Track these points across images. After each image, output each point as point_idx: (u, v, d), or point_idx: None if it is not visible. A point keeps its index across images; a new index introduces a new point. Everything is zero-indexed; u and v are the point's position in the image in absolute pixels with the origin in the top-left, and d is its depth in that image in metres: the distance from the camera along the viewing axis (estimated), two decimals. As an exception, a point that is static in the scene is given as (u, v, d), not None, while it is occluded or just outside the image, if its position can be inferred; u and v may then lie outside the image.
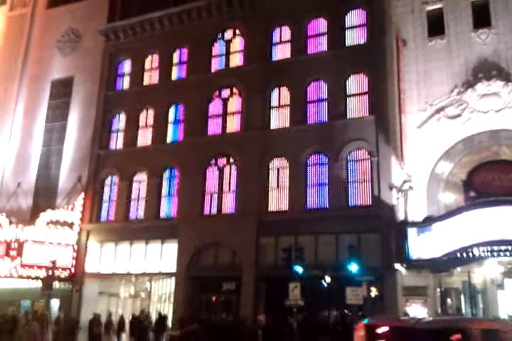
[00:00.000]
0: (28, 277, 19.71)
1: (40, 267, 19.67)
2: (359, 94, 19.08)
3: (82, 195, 22.17)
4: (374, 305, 15.50)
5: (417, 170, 16.95)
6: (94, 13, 25.57)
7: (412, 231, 15.55)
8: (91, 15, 25.64)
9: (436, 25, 18.31)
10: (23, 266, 19.58)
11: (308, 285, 15.74)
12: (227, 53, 22.17)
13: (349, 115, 18.94)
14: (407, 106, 17.84)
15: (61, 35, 26.51)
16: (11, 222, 20.46)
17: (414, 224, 15.83)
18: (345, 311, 15.87)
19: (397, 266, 15.62)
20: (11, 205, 23.37)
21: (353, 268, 15.23)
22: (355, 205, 17.68)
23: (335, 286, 15.73)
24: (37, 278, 19.55)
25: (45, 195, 23.64)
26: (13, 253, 19.73)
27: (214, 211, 19.97)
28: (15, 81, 26.81)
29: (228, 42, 22.30)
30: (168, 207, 20.97)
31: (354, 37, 19.84)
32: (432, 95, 17.63)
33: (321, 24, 20.58)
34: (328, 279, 15.80)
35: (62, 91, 25.56)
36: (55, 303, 20.47)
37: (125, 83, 24.26)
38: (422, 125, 17.48)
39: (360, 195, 17.79)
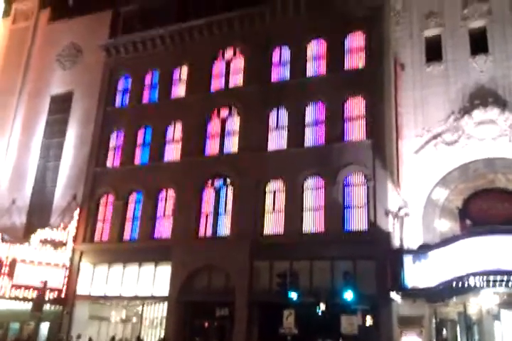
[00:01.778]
0: (18, 298, 19.29)
1: (30, 288, 19.32)
2: (356, 118, 19.06)
3: (77, 213, 21.92)
4: (369, 334, 15.26)
5: (413, 196, 16.87)
6: (96, 29, 25.66)
7: (407, 259, 15.40)
8: (92, 31, 25.73)
9: (434, 51, 18.44)
10: (13, 286, 19.19)
11: (302, 312, 15.53)
12: (227, 73, 22.20)
13: (346, 138, 18.91)
14: (404, 131, 17.85)
15: (62, 49, 26.55)
16: (3, 240, 20.13)
17: (409, 251, 15.70)
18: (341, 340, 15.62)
19: (393, 294, 15.42)
20: (5, 222, 23.12)
21: (349, 295, 15.04)
22: (351, 230, 17.53)
23: (330, 314, 15.48)
24: (27, 299, 19.15)
25: (39, 212, 23.42)
26: (3, 272, 19.35)
27: (209, 233, 19.78)
28: (14, 94, 26.80)
29: (228, 62, 22.36)
30: (162, 229, 20.71)
31: (353, 60, 19.90)
32: (429, 121, 17.65)
33: (320, 46, 20.69)
34: (322, 306, 15.58)
35: (61, 106, 25.50)
36: (44, 326, 20.06)
37: (124, 99, 24.23)
38: (419, 150, 17.46)
39: (355, 220, 17.65)
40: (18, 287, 19.31)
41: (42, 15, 27.96)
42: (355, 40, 20.08)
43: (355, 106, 19.21)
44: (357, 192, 18.05)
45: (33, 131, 25.55)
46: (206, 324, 18.52)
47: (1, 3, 28.76)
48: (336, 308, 15.31)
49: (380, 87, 18.49)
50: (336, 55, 20.06)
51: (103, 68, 24.70)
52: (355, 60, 19.85)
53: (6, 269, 19.35)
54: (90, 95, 24.63)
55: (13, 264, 19.44)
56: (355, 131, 18.87)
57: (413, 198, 16.82)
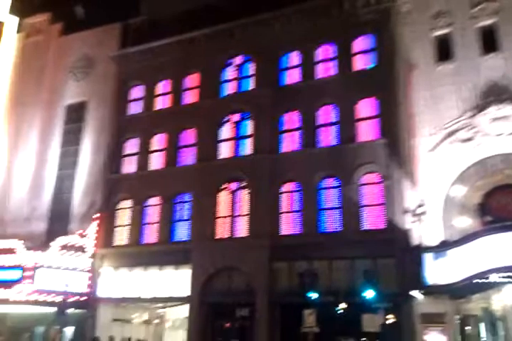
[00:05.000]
0: (43, 303, 19.63)
1: (54, 293, 19.66)
2: (369, 118, 19.22)
3: (96, 219, 22.27)
4: (391, 332, 15.30)
5: (431, 194, 16.95)
6: (107, 40, 26.13)
7: (427, 257, 15.46)
8: (103, 42, 26.19)
9: (444, 50, 18.54)
10: (37, 291, 19.54)
11: (323, 311, 15.63)
12: (238, 78, 22.49)
13: (360, 139, 19.07)
14: (418, 129, 17.97)
15: (74, 61, 27.01)
16: (26, 247, 20.51)
17: (429, 248, 15.74)
18: (362, 339, 15.65)
19: (414, 292, 15.46)
20: (26, 230, 23.51)
21: (369, 294, 15.13)
22: (369, 229, 17.64)
23: (351, 313, 15.58)
24: (51, 303, 19.46)
25: (59, 220, 23.79)
26: (27, 278, 19.71)
27: (227, 235, 20.00)
28: (30, 106, 27.27)
29: (239, 68, 22.64)
30: (181, 232, 21.00)
31: (363, 61, 20.08)
32: (442, 119, 17.74)
33: (330, 49, 20.90)
34: (343, 305, 15.66)
35: (75, 116, 25.94)
36: (69, 330, 20.40)
37: (137, 108, 24.58)
38: (434, 148, 17.55)
39: (373, 219, 17.76)
40: (42, 292, 19.63)
41: (54, 28, 28.50)
42: (365, 42, 20.27)
43: (368, 107, 19.37)
44: (373, 192, 18.17)
45: (49, 141, 26.01)
46: (227, 324, 18.68)
47: (13, 20, 29.29)
48: (357, 307, 15.41)
49: (392, 87, 18.68)
50: (345, 57, 20.25)
51: (115, 78, 25.11)
52: (365, 61, 20.02)
53: (29, 275, 19.69)
54: (104, 104, 25.06)
55: (36, 270, 19.77)
56: (369, 131, 19.02)
57: (431, 196, 16.90)
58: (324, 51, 21.00)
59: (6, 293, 19.41)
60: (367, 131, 19.07)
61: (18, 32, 29.35)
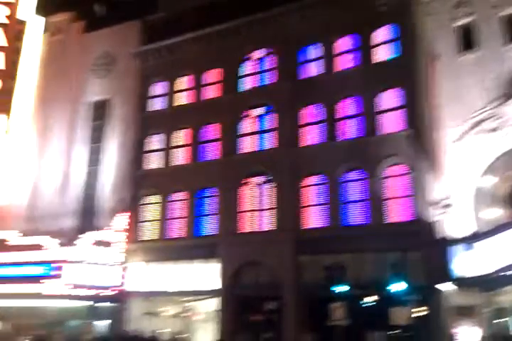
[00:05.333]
0: (75, 297, 20.15)
1: (86, 287, 20.17)
2: (393, 109, 19.05)
3: (124, 215, 22.73)
4: (420, 325, 15.33)
5: (458, 185, 16.78)
6: (127, 37, 26.31)
7: (456, 248, 15.37)
8: (124, 39, 26.38)
9: (467, 40, 18.25)
10: (69, 285, 20.02)
11: (350, 304, 15.73)
12: (258, 72, 22.50)
13: (383, 130, 18.95)
14: (443, 120, 17.76)
15: (96, 58, 27.30)
16: (57, 243, 21.05)
17: (458, 240, 15.63)
18: (391, 332, 15.74)
19: (442, 284, 15.44)
20: (57, 226, 24.06)
21: (397, 287, 15.16)
22: (395, 222, 17.56)
23: (379, 306, 15.65)
24: (84, 297, 20.01)
25: (88, 215, 24.29)
26: (60, 273, 20.22)
27: (252, 229, 20.19)
28: (56, 104, 27.73)
29: (259, 62, 22.62)
30: (207, 226, 21.30)
31: (385, 52, 19.85)
32: (467, 109, 17.46)
33: (350, 40, 20.69)
34: (371, 299, 15.74)
35: (100, 113, 26.29)
36: (102, 323, 20.99)
37: (160, 104, 24.81)
38: (460, 139, 17.33)
39: (399, 212, 17.70)
40: (75, 286, 20.11)
41: (75, 26, 28.82)
42: (386, 33, 19.98)
43: (391, 98, 19.18)
44: (399, 184, 18.09)
45: (76, 138, 26.44)
46: (256, 318, 18.93)
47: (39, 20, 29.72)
48: (385, 300, 15.48)
49: (415, 77, 18.47)
50: (367, 48, 20.05)
51: (137, 74, 25.33)
52: (387, 52, 19.78)
53: (61, 270, 20.20)
54: (127, 101, 25.35)
55: (67, 265, 20.29)
56: (393, 122, 18.88)
57: (457, 187, 16.74)
58: (345, 42, 20.80)
59: (39, 288, 19.98)
60: (391, 123, 18.92)
61: (44, 31, 29.80)
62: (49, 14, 29.71)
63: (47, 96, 28.10)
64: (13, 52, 28.29)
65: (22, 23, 29.12)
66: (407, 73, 18.66)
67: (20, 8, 29.11)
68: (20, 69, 28.87)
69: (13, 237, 21.91)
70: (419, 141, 17.76)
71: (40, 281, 20.00)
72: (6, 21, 28.33)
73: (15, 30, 28.60)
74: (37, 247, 20.87)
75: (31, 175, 26.74)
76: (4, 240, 21.88)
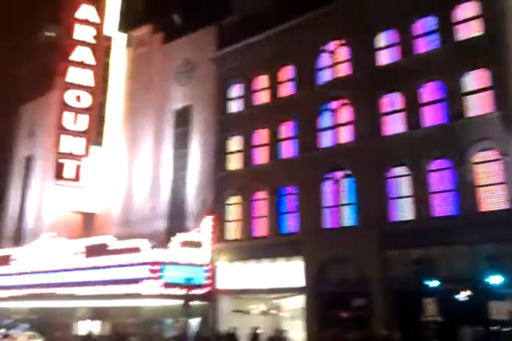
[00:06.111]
0: (169, 296, 21.07)
1: (178, 287, 20.95)
2: (479, 91, 17.69)
3: (210, 216, 23.36)
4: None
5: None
6: (204, 43, 27.12)
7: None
8: (201, 46, 27.22)
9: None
10: (163, 286, 21.01)
11: (443, 299, 14.81)
12: (333, 65, 22.05)
13: (470, 114, 17.67)
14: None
15: (178, 66, 28.41)
16: (150, 246, 22.13)
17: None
18: (490, 327, 14.55)
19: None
20: (149, 229, 25.41)
21: (496, 280, 14.01)
22: (487, 211, 16.29)
23: (475, 300, 14.56)
24: (177, 297, 20.78)
25: (177, 218, 25.36)
26: (155, 274, 21.24)
27: (335, 225, 19.82)
28: (142, 113, 29.36)
29: (333, 54, 22.18)
30: (289, 224, 21.23)
31: (467, 31, 18.47)
32: None
33: (428, 22, 19.53)
34: (466, 293, 14.68)
35: (183, 119, 27.34)
36: (194, 321, 21.70)
37: (238, 105, 25.24)
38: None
39: (491, 200, 16.36)
40: (168, 286, 21.05)
41: (156, 38, 30.27)
42: (468, 10, 18.57)
43: (477, 79, 17.83)
44: (491, 170, 16.73)
45: (162, 145, 27.72)
46: (343, 314, 18.49)
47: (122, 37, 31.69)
48: (481, 294, 14.39)
49: (503, 55, 17.00)
50: (447, 28, 18.80)
51: (216, 79, 25.98)
52: (470, 31, 18.39)
53: (155, 271, 21.24)
54: (207, 105, 26.10)
55: (161, 266, 21.27)
56: (480, 104, 17.53)
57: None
58: (423, 24, 19.68)
59: (137, 288, 21.14)
60: (478, 105, 17.59)
61: (127, 46, 31.78)
62: (130, 29, 31.62)
63: (134, 107, 29.88)
64: (100, 69, 30.53)
65: (108, 40, 31.39)
66: (494, 52, 17.27)
67: (106, 26, 31.39)
68: (110, 84, 31.11)
69: (112, 242, 23.41)
70: (511, 123, 16.30)
71: (139, 282, 21.13)
72: (93, 41, 30.72)
73: (101, 48, 30.89)
74: (135, 250, 22.10)
75: (124, 183, 28.46)
76: (105, 245, 23.44)
